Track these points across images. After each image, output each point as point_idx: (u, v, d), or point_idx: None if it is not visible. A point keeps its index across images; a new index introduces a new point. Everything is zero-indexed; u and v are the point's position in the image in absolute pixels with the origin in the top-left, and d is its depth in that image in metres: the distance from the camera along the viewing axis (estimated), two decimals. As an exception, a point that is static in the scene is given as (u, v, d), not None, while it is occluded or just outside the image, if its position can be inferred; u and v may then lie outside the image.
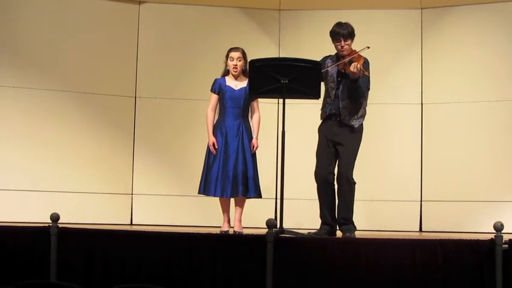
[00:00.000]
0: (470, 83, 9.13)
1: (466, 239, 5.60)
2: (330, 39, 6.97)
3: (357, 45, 6.92)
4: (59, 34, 9.09)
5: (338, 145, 6.88)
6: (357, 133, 6.92)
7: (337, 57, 6.95)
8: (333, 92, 6.90)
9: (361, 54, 6.80)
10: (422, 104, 9.32)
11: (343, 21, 6.99)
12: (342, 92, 6.86)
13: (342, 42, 6.85)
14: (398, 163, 9.28)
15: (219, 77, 7.25)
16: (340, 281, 5.53)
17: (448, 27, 9.31)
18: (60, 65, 9.09)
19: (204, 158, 7.19)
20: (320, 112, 7.04)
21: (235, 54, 7.19)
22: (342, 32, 6.85)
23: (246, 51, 7.28)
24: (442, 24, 9.33)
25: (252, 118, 7.25)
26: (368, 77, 6.85)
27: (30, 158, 8.88)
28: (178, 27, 9.53)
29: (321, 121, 7.04)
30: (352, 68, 6.63)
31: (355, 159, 6.92)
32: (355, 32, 6.93)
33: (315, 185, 7.07)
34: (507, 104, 8.92)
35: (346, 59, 6.78)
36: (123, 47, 9.38)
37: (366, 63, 6.79)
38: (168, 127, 9.43)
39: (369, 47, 6.72)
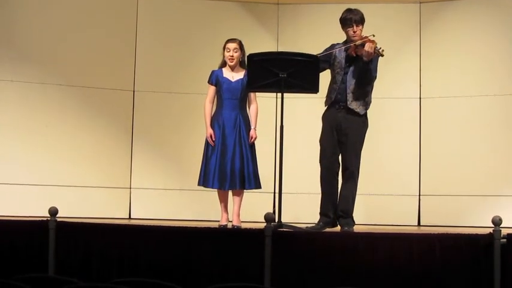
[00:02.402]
0: (469, 77, 9.13)
1: (465, 233, 5.62)
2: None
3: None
4: (58, 28, 9.08)
5: (342, 136, 6.86)
6: (362, 123, 6.91)
7: (346, 43, 6.94)
8: (340, 77, 6.89)
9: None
10: (420, 98, 9.31)
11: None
12: (350, 77, 6.85)
13: (354, 27, 6.87)
14: (396, 157, 9.28)
15: (216, 69, 7.26)
16: (338, 275, 5.53)
17: (447, 21, 9.30)
18: (58, 59, 9.07)
19: (202, 150, 7.20)
20: (325, 99, 7.02)
21: (231, 45, 7.20)
22: (354, 18, 6.87)
23: (244, 45, 7.28)
24: (441, 18, 9.32)
25: (249, 109, 7.25)
26: (376, 65, 6.84)
27: (28, 151, 8.88)
28: (177, 21, 9.52)
29: (325, 108, 7.02)
30: (368, 47, 6.63)
31: (360, 150, 6.91)
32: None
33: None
34: (505, 98, 8.91)
35: (358, 42, 6.77)
36: (121, 41, 9.37)
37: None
38: (166, 121, 9.43)
39: (374, 36, 6.72)
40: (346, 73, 6.87)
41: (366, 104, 6.91)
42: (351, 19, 6.87)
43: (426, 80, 9.32)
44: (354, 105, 6.85)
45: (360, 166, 6.93)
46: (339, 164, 6.94)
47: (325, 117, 7.01)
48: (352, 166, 6.87)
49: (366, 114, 6.93)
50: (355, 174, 6.88)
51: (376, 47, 6.66)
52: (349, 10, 6.94)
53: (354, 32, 6.85)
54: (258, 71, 6.69)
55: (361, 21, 6.88)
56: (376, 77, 6.94)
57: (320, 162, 6.98)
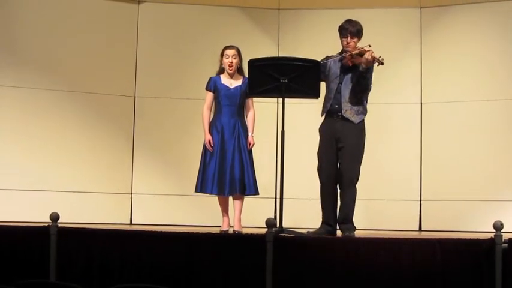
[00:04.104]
0: (470, 82, 9.13)
1: (466, 238, 5.61)
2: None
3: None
4: (59, 34, 9.10)
5: (340, 143, 6.87)
6: (360, 132, 6.90)
7: (341, 53, 6.97)
8: (335, 87, 6.90)
9: (373, 46, 6.80)
10: (421, 103, 9.32)
11: (344, 19, 7.02)
12: (344, 86, 6.87)
13: (349, 38, 6.89)
14: (397, 162, 9.28)
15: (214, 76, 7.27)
16: (340, 280, 5.53)
17: (447, 26, 9.31)
18: (59, 64, 9.09)
19: (200, 156, 7.21)
20: (321, 109, 7.03)
21: (230, 52, 7.20)
22: (350, 29, 6.90)
23: (245, 50, 7.30)
24: (441, 23, 9.33)
25: (247, 115, 7.26)
26: (371, 75, 6.87)
27: (29, 157, 8.88)
28: (178, 26, 9.53)
29: (322, 118, 7.02)
30: (368, 55, 6.67)
31: (359, 160, 6.90)
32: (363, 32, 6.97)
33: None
34: (506, 102, 8.92)
35: (354, 52, 6.80)
36: (122, 46, 9.39)
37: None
38: (167, 126, 9.44)
39: (369, 46, 6.75)
40: (340, 83, 6.90)
41: (361, 113, 6.91)
42: (346, 29, 6.90)
43: (427, 85, 9.32)
44: (349, 114, 6.86)
45: (359, 174, 6.90)
46: (338, 173, 6.94)
47: (323, 128, 7.01)
48: (352, 175, 6.85)
49: (362, 123, 6.94)
50: (354, 182, 6.87)
51: (376, 55, 6.69)
52: (348, 21, 6.97)
53: (347, 43, 6.89)
54: (259, 77, 6.69)
55: (357, 33, 6.91)
56: (370, 89, 6.95)
57: (319, 173, 6.96)
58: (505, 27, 9.01)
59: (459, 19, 9.27)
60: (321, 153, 6.98)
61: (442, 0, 9.29)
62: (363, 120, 6.93)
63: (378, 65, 6.78)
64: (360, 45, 6.90)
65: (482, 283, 5.40)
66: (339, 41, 7.02)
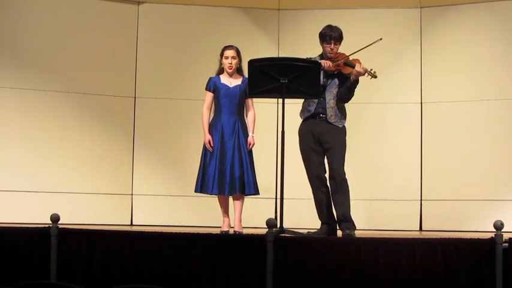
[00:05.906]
0: (470, 82, 9.14)
1: (466, 238, 5.61)
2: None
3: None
4: (58, 35, 9.10)
5: (326, 144, 6.90)
6: (343, 134, 6.97)
7: (321, 58, 7.01)
8: None
9: (373, 46, 6.83)
10: (421, 103, 9.32)
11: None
12: (328, 92, 6.91)
13: (332, 44, 6.96)
14: (398, 162, 9.28)
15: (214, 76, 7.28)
16: (340, 281, 5.53)
17: (447, 26, 9.31)
18: (59, 65, 9.09)
19: (200, 157, 7.21)
20: (301, 112, 7.04)
21: (229, 53, 7.21)
22: (333, 35, 6.96)
23: (245, 51, 7.30)
24: (441, 23, 9.33)
25: (247, 116, 7.26)
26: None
27: (30, 158, 8.89)
28: (178, 27, 9.53)
29: (301, 120, 7.04)
30: (359, 68, 6.72)
31: (344, 157, 6.94)
32: (345, 35, 7.02)
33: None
34: (507, 102, 8.92)
35: (340, 61, 6.84)
36: (122, 47, 9.39)
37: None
38: (167, 127, 9.44)
39: (381, 39, 6.77)
40: (324, 88, 6.91)
41: (344, 119, 6.99)
42: (330, 36, 6.96)
43: (427, 85, 9.32)
44: (333, 119, 6.92)
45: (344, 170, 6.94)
46: (326, 171, 6.95)
47: (303, 130, 7.03)
48: (342, 174, 6.89)
49: (344, 126, 7.02)
50: (345, 180, 6.89)
51: (367, 68, 6.72)
52: (329, 27, 7.03)
53: (331, 49, 6.96)
54: (259, 77, 6.69)
55: (339, 39, 6.98)
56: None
57: (309, 174, 6.98)
58: (505, 27, 9.01)
59: (459, 19, 9.28)
60: (306, 156, 7.00)
61: (442, 0, 9.30)
62: (345, 125, 6.97)
63: (370, 78, 6.81)
64: (341, 50, 6.93)
65: (482, 282, 5.41)
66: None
